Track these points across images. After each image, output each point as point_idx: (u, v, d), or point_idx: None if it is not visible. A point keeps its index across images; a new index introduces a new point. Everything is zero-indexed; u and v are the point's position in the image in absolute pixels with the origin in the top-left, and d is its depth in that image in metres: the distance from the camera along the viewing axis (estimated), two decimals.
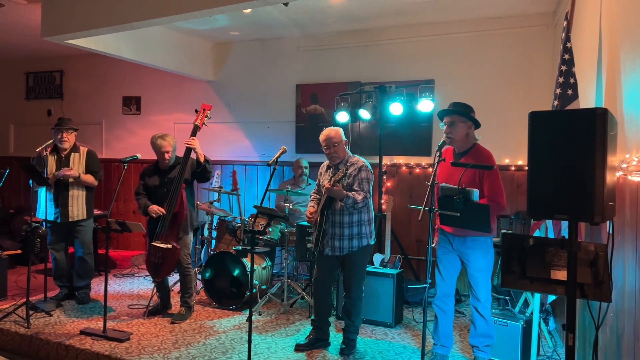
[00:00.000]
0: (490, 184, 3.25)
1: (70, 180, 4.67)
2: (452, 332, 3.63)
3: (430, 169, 5.06)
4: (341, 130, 3.76)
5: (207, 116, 4.39)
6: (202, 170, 4.29)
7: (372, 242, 3.79)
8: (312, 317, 3.94)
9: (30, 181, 4.67)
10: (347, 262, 3.71)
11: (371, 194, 3.70)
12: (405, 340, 4.09)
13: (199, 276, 5.13)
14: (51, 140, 4.75)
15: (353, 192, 3.59)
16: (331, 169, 3.80)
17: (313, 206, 3.89)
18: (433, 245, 3.57)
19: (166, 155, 4.35)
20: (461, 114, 3.35)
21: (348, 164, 3.66)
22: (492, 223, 3.22)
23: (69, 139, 4.76)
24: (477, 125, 3.41)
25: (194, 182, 4.50)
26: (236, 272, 4.66)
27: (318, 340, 3.87)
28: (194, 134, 4.31)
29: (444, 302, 3.51)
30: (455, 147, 3.45)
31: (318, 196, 3.93)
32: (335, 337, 3.99)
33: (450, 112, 3.38)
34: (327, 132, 3.74)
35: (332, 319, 3.89)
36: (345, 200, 3.53)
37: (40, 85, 7.99)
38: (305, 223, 4.59)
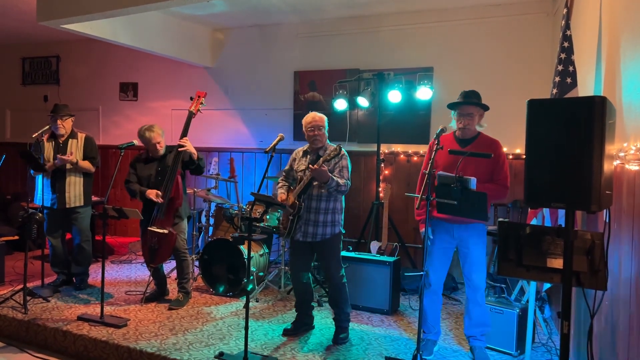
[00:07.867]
0: (505, 171, 3.33)
1: (68, 166, 4.65)
2: (440, 317, 3.67)
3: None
4: (326, 117, 3.78)
5: (202, 103, 4.46)
6: (196, 167, 4.39)
7: (344, 231, 3.80)
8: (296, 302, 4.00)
9: (31, 171, 4.66)
10: (323, 249, 3.70)
11: (350, 182, 3.70)
12: (402, 327, 4.11)
13: (196, 263, 5.14)
14: (48, 126, 4.72)
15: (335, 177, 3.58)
16: (309, 155, 3.78)
17: (284, 192, 3.79)
18: (422, 232, 3.56)
19: (158, 146, 4.39)
20: (481, 106, 3.37)
21: (328, 151, 3.66)
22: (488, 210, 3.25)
23: (64, 126, 4.72)
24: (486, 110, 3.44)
25: (186, 173, 4.53)
26: (233, 260, 4.67)
27: (303, 324, 3.95)
28: (188, 120, 4.39)
29: (435, 293, 3.51)
30: (460, 135, 3.43)
31: (287, 183, 3.90)
32: (321, 322, 4.09)
33: (470, 104, 3.36)
34: (313, 115, 3.74)
35: (314, 304, 3.96)
36: (329, 183, 3.47)
37: (37, 70, 7.93)
38: None
